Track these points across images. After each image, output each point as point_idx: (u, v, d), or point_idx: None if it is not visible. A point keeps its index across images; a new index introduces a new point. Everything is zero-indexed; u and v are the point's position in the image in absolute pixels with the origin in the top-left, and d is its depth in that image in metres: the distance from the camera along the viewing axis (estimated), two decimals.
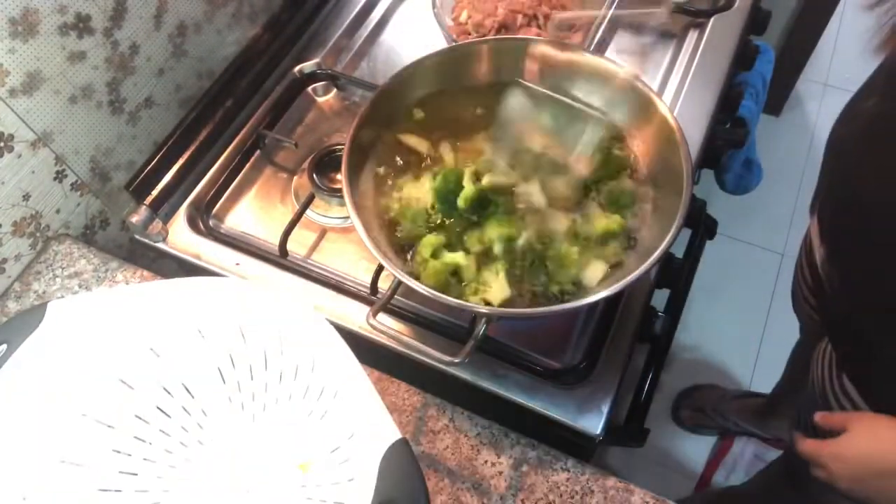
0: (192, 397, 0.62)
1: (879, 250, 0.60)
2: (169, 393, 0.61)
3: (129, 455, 0.59)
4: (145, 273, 0.83)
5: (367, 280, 0.80)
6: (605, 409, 0.72)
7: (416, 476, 0.47)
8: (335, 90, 1.03)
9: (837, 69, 2.10)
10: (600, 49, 0.93)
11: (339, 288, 0.82)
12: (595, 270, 0.71)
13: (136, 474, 0.59)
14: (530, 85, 0.81)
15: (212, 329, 0.60)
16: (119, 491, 0.57)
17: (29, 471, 0.53)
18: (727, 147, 1.06)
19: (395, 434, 0.48)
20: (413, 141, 0.80)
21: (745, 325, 1.66)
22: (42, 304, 0.56)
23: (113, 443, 0.58)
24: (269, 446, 0.63)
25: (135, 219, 0.84)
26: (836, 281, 0.69)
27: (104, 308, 0.57)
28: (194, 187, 0.90)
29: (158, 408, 0.61)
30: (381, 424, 0.49)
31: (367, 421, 0.51)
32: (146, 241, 0.86)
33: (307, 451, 0.61)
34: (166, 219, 0.87)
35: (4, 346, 0.54)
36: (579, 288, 0.70)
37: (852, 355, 0.72)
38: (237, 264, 0.84)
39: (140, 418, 0.60)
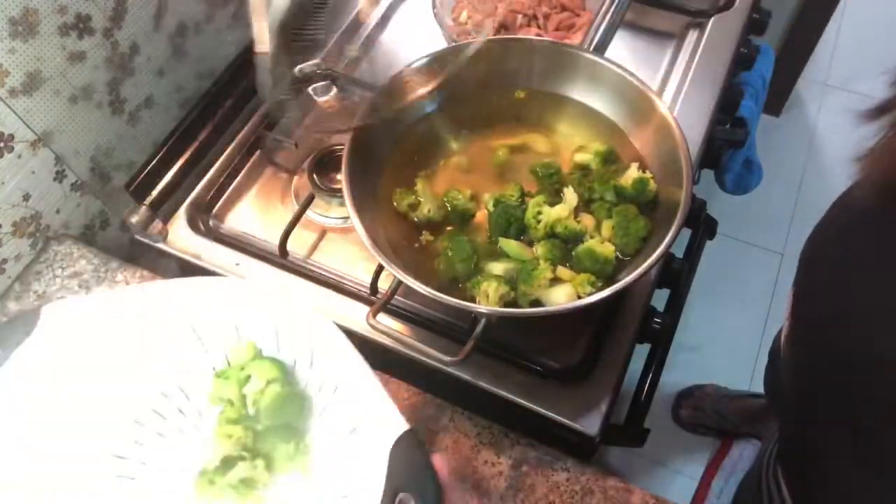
0: (188, 399, 0.62)
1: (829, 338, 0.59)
2: (165, 396, 0.61)
3: (125, 458, 0.59)
4: (145, 273, 0.83)
5: (367, 280, 0.80)
6: (605, 409, 0.72)
7: (427, 465, 0.47)
8: (335, 90, 1.02)
9: (837, 69, 2.10)
10: (600, 50, 0.93)
11: (339, 288, 0.82)
12: (561, 294, 0.68)
13: (133, 478, 0.59)
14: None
15: (207, 329, 0.60)
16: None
17: (23, 478, 0.53)
18: (727, 147, 1.06)
19: (402, 425, 0.49)
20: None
21: (745, 325, 1.66)
22: (35, 308, 0.56)
23: (111, 447, 0.58)
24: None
25: (135, 219, 0.84)
26: (790, 363, 0.67)
27: (98, 311, 0.57)
28: (194, 187, 0.90)
29: (155, 411, 0.61)
30: (388, 416, 0.50)
31: (373, 413, 0.51)
32: (146, 241, 0.86)
33: (309, 449, 0.61)
34: (166, 219, 0.87)
35: None
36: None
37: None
38: (237, 264, 0.84)
39: (139, 422, 0.60)
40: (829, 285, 0.58)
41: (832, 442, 0.59)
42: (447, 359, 0.66)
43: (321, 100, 1.02)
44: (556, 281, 0.69)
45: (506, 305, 0.69)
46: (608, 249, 0.70)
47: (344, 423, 0.56)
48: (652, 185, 0.74)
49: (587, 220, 0.73)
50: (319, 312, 0.56)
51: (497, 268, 0.71)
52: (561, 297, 0.68)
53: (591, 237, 0.72)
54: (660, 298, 0.84)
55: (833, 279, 0.58)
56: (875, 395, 0.51)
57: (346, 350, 0.54)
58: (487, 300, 0.68)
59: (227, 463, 0.58)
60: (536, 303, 0.69)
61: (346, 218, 0.88)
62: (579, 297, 0.67)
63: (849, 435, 0.55)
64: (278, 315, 0.59)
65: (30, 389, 0.54)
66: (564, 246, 0.72)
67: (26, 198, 0.78)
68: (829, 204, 0.65)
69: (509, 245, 0.73)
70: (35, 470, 0.54)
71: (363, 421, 0.54)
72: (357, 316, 0.78)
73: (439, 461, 0.49)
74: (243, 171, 0.94)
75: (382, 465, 0.48)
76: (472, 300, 0.69)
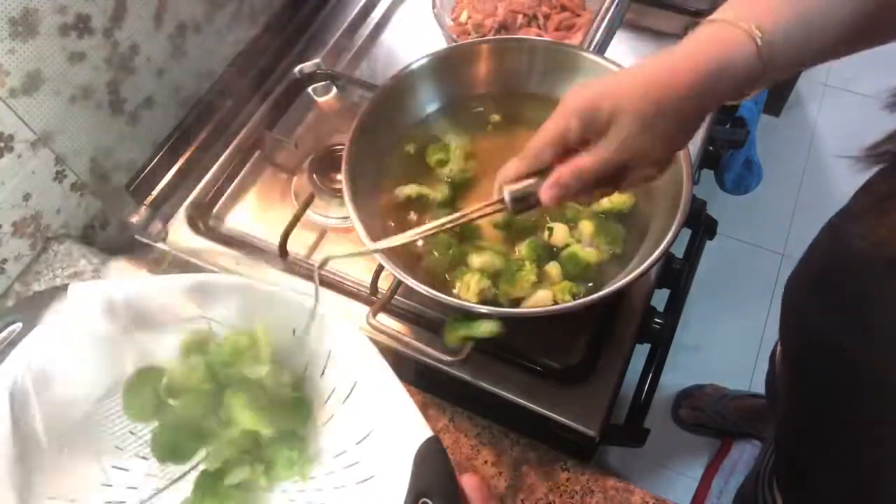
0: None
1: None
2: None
3: (123, 450, 0.58)
4: (145, 273, 0.83)
5: (367, 280, 0.80)
6: (605, 409, 0.72)
7: (450, 472, 0.47)
8: (335, 90, 1.02)
9: (837, 69, 2.10)
10: (600, 50, 0.93)
11: (339, 288, 0.82)
12: (540, 299, 0.70)
13: (128, 470, 0.58)
14: None
15: (223, 328, 0.60)
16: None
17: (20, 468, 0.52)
18: (727, 147, 1.06)
19: (426, 431, 0.49)
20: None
21: (745, 325, 1.66)
22: (64, 284, 0.55)
23: (110, 439, 0.58)
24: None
25: (135, 219, 0.84)
26: (784, 380, 0.67)
27: (124, 298, 0.56)
28: (194, 187, 0.90)
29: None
30: (411, 422, 0.50)
31: (393, 420, 0.51)
32: (146, 241, 0.86)
33: (316, 455, 0.61)
34: (166, 219, 0.87)
35: (19, 325, 0.52)
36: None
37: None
38: (237, 264, 0.84)
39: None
40: (812, 313, 0.58)
41: (823, 457, 0.59)
42: (447, 359, 0.66)
43: (321, 100, 1.02)
44: (539, 283, 0.71)
45: (486, 301, 0.69)
46: (590, 254, 0.72)
47: (354, 432, 0.56)
48: (629, 202, 0.75)
49: (560, 230, 0.74)
50: (344, 318, 0.56)
51: (477, 261, 0.72)
52: (541, 301, 0.69)
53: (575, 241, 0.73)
54: (660, 298, 0.84)
55: (820, 304, 0.58)
56: (861, 416, 0.51)
57: (370, 357, 0.54)
58: (468, 292, 0.68)
59: (228, 465, 0.58)
60: (518, 302, 0.70)
61: (346, 218, 0.88)
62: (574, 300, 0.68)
63: (838, 451, 0.56)
64: (299, 320, 0.59)
65: (42, 367, 0.53)
66: (549, 248, 0.73)
67: (26, 198, 0.78)
68: (829, 204, 0.65)
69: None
70: (29, 453, 0.52)
71: (379, 429, 0.54)
72: (357, 316, 0.78)
73: (473, 484, 0.49)
74: (243, 171, 0.94)
75: (398, 471, 0.48)
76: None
